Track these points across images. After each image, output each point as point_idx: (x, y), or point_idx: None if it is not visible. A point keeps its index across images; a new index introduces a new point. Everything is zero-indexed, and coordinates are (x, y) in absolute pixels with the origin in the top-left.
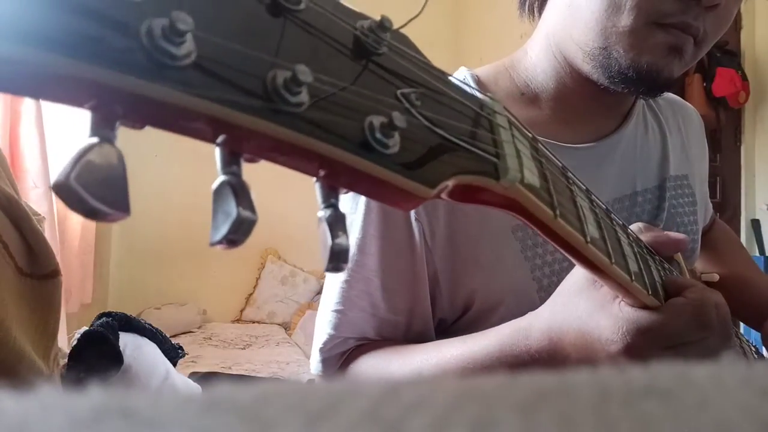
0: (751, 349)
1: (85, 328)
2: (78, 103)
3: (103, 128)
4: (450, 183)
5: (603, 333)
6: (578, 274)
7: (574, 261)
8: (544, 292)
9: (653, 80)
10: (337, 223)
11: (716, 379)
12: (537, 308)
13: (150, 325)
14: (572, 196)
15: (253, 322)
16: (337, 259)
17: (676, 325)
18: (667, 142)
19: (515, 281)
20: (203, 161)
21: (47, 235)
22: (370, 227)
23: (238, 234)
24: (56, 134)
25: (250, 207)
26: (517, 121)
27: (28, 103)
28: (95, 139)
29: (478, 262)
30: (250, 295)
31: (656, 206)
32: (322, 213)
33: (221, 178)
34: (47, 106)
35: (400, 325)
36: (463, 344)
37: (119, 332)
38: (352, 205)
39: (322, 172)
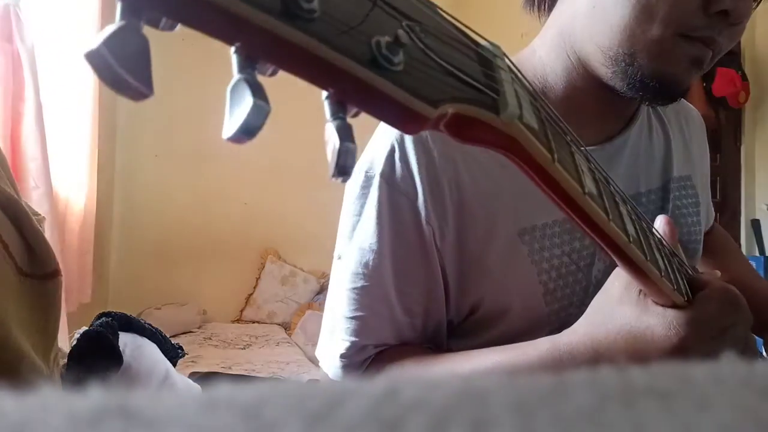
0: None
1: (85, 328)
2: None
3: (130, 15)
4: (450, 109)
5: (656, 332)
6: (612, 286)
7: (570, 216)
8: (550, 295)
9: (672, 90)
10: (344, 129)
11: (716, 379)
12: (543, 312)
13: (150, 325)
14: (570, 150)
15: (253, 322)
16: (344, 160)
17: (715, 311)
18: (670, 143)
19: (522, 285)
20: (203, 161)
21: (47, 235)
22: (383, 232)
23: (254, 123)
24: (57, 135)
25: (264, 98)
26: (519, 72)
27: (29, 103)
28: (123, 22)
29: (486, 266)
30: (250, 295)
31: (660, 207)
32: (330, 123)
33: (237, 76)
34: (48, 106)
35: (417, 327)
36: (498, 357)
37: (119, 332)
38: (357, 208)
39: (331, 88)
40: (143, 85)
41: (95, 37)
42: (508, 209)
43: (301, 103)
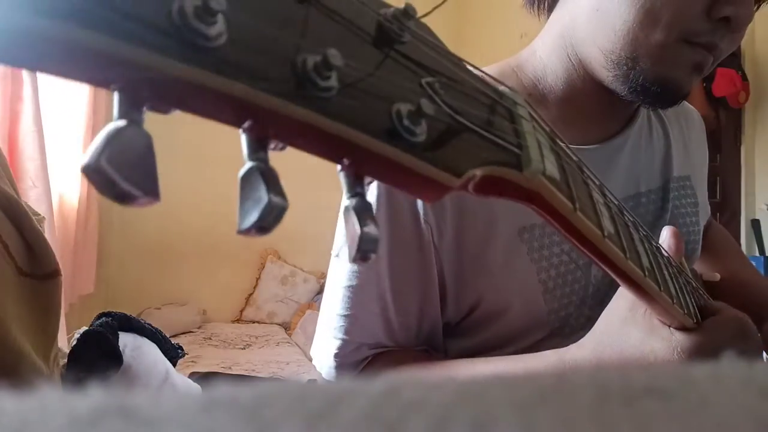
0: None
1: (85, 328)
2: (105, 83)
3: (131, 110)
4: (477, 173)
5: (659, 355)
6: (617, 304)
7: (589, 256)
8: (549, 294)
9: (673, 95)
10: (364, 211)
11: (716, 379)
12: (542, 311)
13: (150, 325)
14: (588, 190)
15: (253, 322)
16: (366, 247)
17: (724, 339)
18: (670, 143)
19: (522, 284)
20: (204, 162)
21: (47, 235)
22: (380, 230)
23: (269, 221)
24: (55, 134)
25: (281, 193)
26: (537, 114)
27: (26, 103)
28: (123, 122)
29: (485, 265)
30: (250, 295)
31: (660, 207)
32: (348, 202)
33: (249, 164)
34: (46, 106)
35: (411, 327)
36: (503, 368)
37: (119, 332)
38: None
39: (347, 161)
40: (150, 196)
41: (92, 145)
42: (507, 208)
43: None
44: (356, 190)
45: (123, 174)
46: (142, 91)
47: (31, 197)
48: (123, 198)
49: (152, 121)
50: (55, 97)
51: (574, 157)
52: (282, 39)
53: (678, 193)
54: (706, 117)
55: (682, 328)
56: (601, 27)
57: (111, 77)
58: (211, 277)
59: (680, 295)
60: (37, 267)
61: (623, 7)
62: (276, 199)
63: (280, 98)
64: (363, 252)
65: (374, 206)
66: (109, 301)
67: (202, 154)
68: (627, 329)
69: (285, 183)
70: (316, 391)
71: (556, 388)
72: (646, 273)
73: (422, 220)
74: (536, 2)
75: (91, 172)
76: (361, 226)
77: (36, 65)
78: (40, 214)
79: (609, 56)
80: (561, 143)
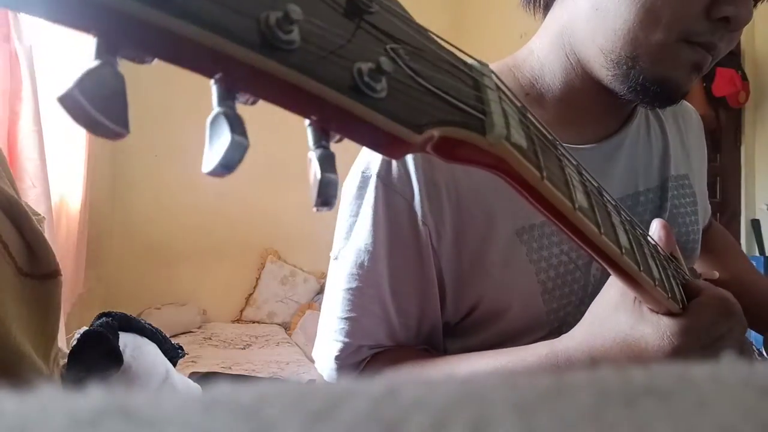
0: (753, 349)
1: (85, 328)
2: (85, 28)
3: (106, 54)
4: (435, 133)
5: (649, 341)
6: (608, 293)
7: (563, 231)
8: (549, 294)
9: (672, 94)
10: (326, 159)
11: (716, 379)
12: (541, 312)
13: (150, 325)
14: (561, 165)
15: (253, 322)
16: (326, 191)
17: (709, 320)
18: (668, 142)
19: (521, 284)
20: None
21: (47, 235)
22: (378, 232)
23: (232, 159)
24: (54, 134)
25: (243, 134)
26: (508, 89)
27: (26, 103)
28: (98, 61)
29: (484, 267)
30: (250, 295)
31: (658, 206)
32: (312, 153)
33: (216, 109)
34: (45, 105)
35: (411, 328)
36: (496, 361)
37: (119, 332)
38: (354, 209)
39: (313, 116)
40: (120, 126)
41: (69, 77)
42: (505, 208)
43: None
44: (321, 142)
45: (94, 104)
46: (118, 37)
47: (31, 197)
48: (94, 127)
49: (153, 121)
50: (55, 98)
51: (549, 135)
52: None
53: (676, 192)
54: (706, 117)
55: (669, 314)
56: (601, 26)
57: (89, 22)
58: (211, 277)
59: (664, 279)
60: (37, 267)
61: (623, 7)
62: (239, 138)
63: (245, 47)
64: (324, 197)
65: (372, 209)
66: (109, 301)
67: (202, 153)
68: (617, 316)
69: (285, 183)
70: (316, 391)
71: (555, 389)
72: (623, 251)
73: (420, 222)
74: (532, 0)
75: (66, 100)
76: (323, 171)
77: (18, 5)
78: (40, 214)
79: (608, 56)
80: (533, 119)
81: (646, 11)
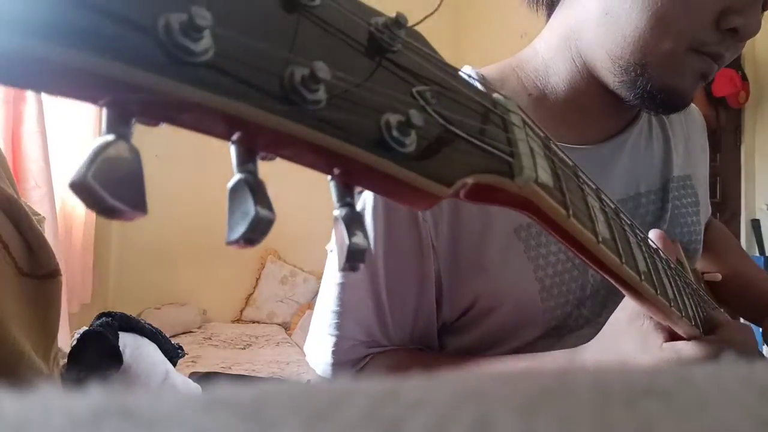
0: None
1: (85, 328)
2: (94, 99)
3: (119, 125)
4: (468, 181)
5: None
6: (620, 314)
7: (584, 261)
8: (546, 292)
9: (678, 102)
10: (353, 221)
11: (716, 379)
12: (537, 310)
13: (150, 325)
14: (583, 196)
15: (253, 322)
16: (353, 258)
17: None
18: (670, 143)
19: (518, 282)
20: (204, 162)
21: (47, 235)
22: (377, 227)
23: (256, 233)
24: (58, 135)
25: (268, 206)
26: (531, 120)
27: (30, 104)
28: (111, 137)
29: (482, 264)
30: (250, 295)
31: (660, 207)
32: (338, 212)
33: (237, 176)
34: (49, 106)
35: (406, 326)
36: (515, 366)
37: (119, 332)
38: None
39: (337, 171)
40: (138, 210)
41: (81, 160)
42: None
43: None
44: (346, 200)
45: (110, 190)
46: (130, 107)
47: (35, 198)
48: (110, 213)
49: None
50: (58, 98)
51: (570, 162)
52: (270, 52)
53: (678, 193)
54: (706, 117)
55: (689, 336)
56: (611, 32)
57: (98, 94)
58: (211, 277)
59: (678, 298)
60: (37, 267)
61: (634, 14)
62: (263, 212)
63: (268, 112)
64: (351, 263)
65: (371, 204)
66: (109, 301)
67: (202, 154)
68: (622, 338)
69: (285, 183)
70: (316, 391)
71: (556, 388)
72: (643, 277)
73: (420, 219)
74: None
75: (78, 188)
76: (350, 236)
77: (23, 84)
78: (40, 214)
79: (617, 62)
80: (556, 149)
81: (657, 19)
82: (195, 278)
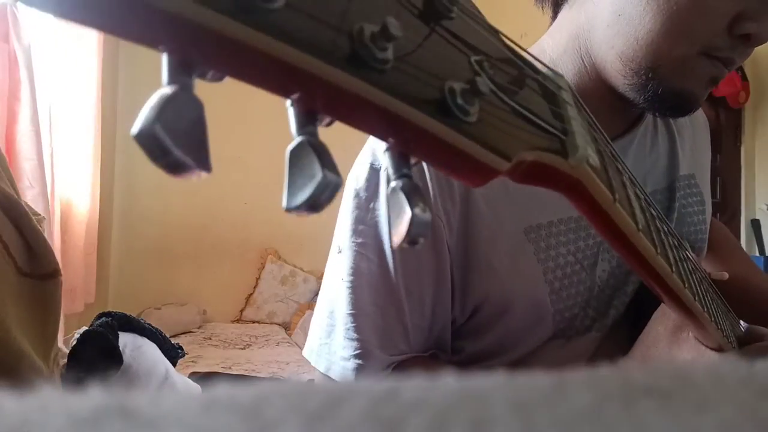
0: None
1: (85, 328)
2: (154, 42)
3: (182, 76)
4: (526, 158)
5: None
6: (659, 325)
7: (618, 252)
8: (555, 295)
9: (687, 106)
10: (414, 191)
11: (716, 379)
12: (548, 312)
13: (150, 325)
14: (623, 181)
15: (253, 322)
16: (417, 230)
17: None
18: (675, 143)
19: (528, 284)
20: None
21: (46, 235)
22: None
23: (322, 198)
24: (57, 135)
25: (335, 169)
26: (577, 97)
27: (24, 104)
28: (175, 87)
29: (491, 265)
30: (250, 295)
31: (667, 207)
32: (395, 183)
33: (298, 138)
34: (43, 106)
35: (424, 329)
36: None
37: (119, 332)
38: (363, 202)
39: (395, 137)
40: (202, 166)
41: (145, 109)
42: (514, 207)
43: None
44: (402, 171)
45: (177, 142)
46: (192, 54)
47: (29, 197)
48: (175, 168)
49: None
50: (56, 98)
51: (612, 146)
52: (340, 6)
53: (684, 192)
54: (706, 117)
55: (716, 347)
56: (622, 34)
57: (160, 36)
58: (211, 277)
59: (702, 295)
60: (36, 267)
61: (648, 16)
62: (331, 175)
63: (334, 67)
64: (413, 236)
65: (385, 203)
66: (110, 301)
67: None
68: (672, 352)
69: (284, 183)
70: (316, 391)
71: (555, 389)
72: (673, 269)
73: (435, 216)
74: None
75: (145, 138)
76: (412, 207)
77: (90, 19)
78: (39, 214)
79: (628, 64)
80: (601, 131)
81: (672, 23)
82: (195, 278)
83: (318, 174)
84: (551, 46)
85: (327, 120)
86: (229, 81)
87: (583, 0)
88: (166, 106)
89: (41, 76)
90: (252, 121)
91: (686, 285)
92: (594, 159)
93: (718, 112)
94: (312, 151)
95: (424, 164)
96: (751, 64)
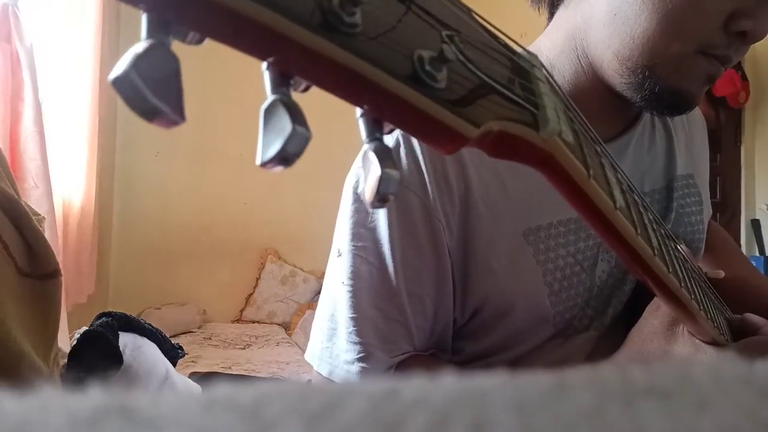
0: None
1: (85, 328)
2: (136, 2)
3: (158, 32)
4: (494, 127)
5: None
6: (653, 319)
7: (596, 232)
8: (555, 296)
9: (684, 105)
10: (384, 153)
11: (716, 379)
12: (548, 314)
13: (150, 325)
14: (600, 161)
15: (253, 322)
16: (386, 187)
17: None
18: (673, 142)
19: (527, 286)
20: (204, 161)
21: (47, 234)
22: (392, 229)
23: (292, 150)
24: (57, 134)
25: (305, 124)
26: (555, 82)
27: (28, 103)
28: (151, 41)
29: (491, 266)
30: (250, 295)
31: (665, 207)
32: (368, 146)
33: (272, 97)
34: (47, 106)
35: (426, 329)
36: None
37: (119, 332)
38: (362, 204)
39: (366, 105)
40: (176, 113)
41: (122, 59)
42: (513, 208)
43: (302, 102)
44: (375, 135)
45: (151, 88)
46: (171, 13)
47: (33, 197)
48: (151, 113)
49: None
50: (56, 97)
51: (591, 130)
52: None
53: (682, 192)
54: (706, 117)
55: (711, 342)
56: (619, 33)
57: None
58: (211, 277)
59: (690, 283)
60: (37, 267)
61: (644, 15)
62: (300, 129)
63: (305, 29)
64: (382, 194)
65: (385, 210)
66: (109, 301)
67: (203, 154)
68: (668, 347)
69: (285, 183)
70: (316, 391)
71: (555, 389)
72: (656, 252)
73: (435, 219)
74: None
75: (121, 83)
76: (382, 166)
77: None
78: (40, 214)
79: (625, 63)
80: (577, 112)
81: (668, 21)
82: (195, 278)
83: (288, 127)
84: (548, 47)
85: (303, 85)
86: (230, 81)
87: (579, 0)
88: (142, 56)
89: (44, 76)
90: (252, 121)
91: (670, 270)
92: (567, 135)
93: (718, 111)
94: (283, 107)
95: (423, 167)
96: (751, 63)
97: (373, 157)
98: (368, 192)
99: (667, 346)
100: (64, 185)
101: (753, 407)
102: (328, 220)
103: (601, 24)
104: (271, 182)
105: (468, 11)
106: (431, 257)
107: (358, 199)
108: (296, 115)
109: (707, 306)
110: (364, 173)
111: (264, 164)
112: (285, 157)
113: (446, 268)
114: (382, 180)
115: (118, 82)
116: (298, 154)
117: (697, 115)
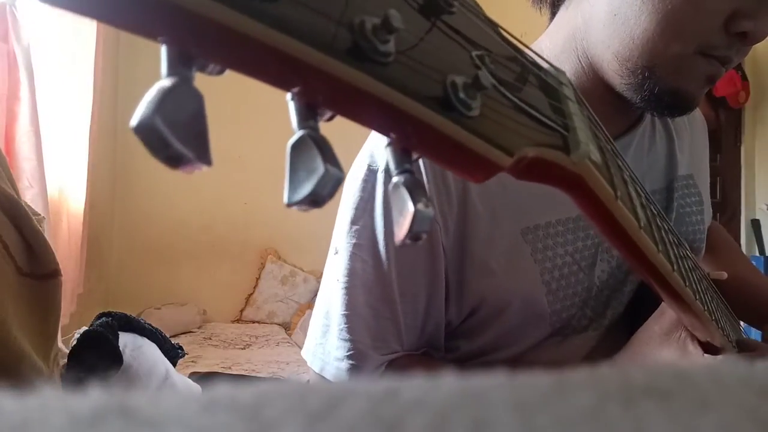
0: None
1: (85, 328)
2: (153, 33)
3: (180, 67)
4: (528, 154)
5: None
6: (655, 324)
7: (619, 251)
8: (553, 295)
9: (684, 106)
10: (416, 187)
11: (716, 379)
12: (545, 313)
13: (150, 325)
14: (623, 178)
15: (253, 322)
16: (420, 225)
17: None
18: (674, 143)
19: (525, 285)
20: None
21: (46, 235)
22: (388, 229)
23: (324, 192)
24: (52, 134)
25: (337, 163)
26: (582, 99)
27: (24, 103)
28: (174, 79)
29: (488, 266)
30: (250, 295)
31: (665, 207)
32: (397, 179)
33: (299, 132)
34: (43, 106)
35: (417, 328)
36: None
37: (119, 332)
38: (360, 203)
39: (396, 132)
40: (202, 159)
41: (144, 100)
42: (511, 208)
43: None
44: (404, 166)
45: (177, 134)
46: (191, 45)
47: (28, 197)
48: (175, 161)
49: None
50: (55, 97)
51: (609, 139)
52: None
53: (682, 192)
54: (706, 117)
55: (712, 348)
56: (619, 33)
57: (159, 27)
58: (211, 277)
59: (703, 296)
60: (37, 267)
61: (644, 16)
62: (333, 169)
63: (335, 59)
64: (415, 232)
65: (381, 205)
66: (109, 301)
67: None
68: (659, 349)
69: (284, 183)
70: (316, 391)
71: (555, 389)
72: (674, 267)
73: (432, 220)
74: None
75: (144, 130)
76: (415, 203)
77: (85, 8)
78: (40, 214)
79: (625, 64)
80: (601, 127)
81: (667, 22)
82: (195, 278)
83: (320, 168)
84: (548, 47)
85: (328, 114)
86: (229, 81)
87: (580, 0)
88: (165, 97)
89: (41, 75)
90: (252, 121)
91: (687, 283)
92: (596, 155)
93: (718, 112)
94: (313, 144)
95: (422, 165)
96: (751, 64)
97: (404, 194)
98: (400, 230)
99: (659, 351)
100: (63, 185)
101: (753, 407)
102: (327, 220)
103: (601, 24)
104: (271, 182)
105: (494, 26)
106: (425, 257)
107: (354, 196)
108: (327, 154)
109: (718, 315)
110: (395, 209)
111: (292, 204)
112: (316, 200)
113: (440, 267)
114: (416, 219)
115: (141, 129)
116: (330, 196)
117: (697, 116)
